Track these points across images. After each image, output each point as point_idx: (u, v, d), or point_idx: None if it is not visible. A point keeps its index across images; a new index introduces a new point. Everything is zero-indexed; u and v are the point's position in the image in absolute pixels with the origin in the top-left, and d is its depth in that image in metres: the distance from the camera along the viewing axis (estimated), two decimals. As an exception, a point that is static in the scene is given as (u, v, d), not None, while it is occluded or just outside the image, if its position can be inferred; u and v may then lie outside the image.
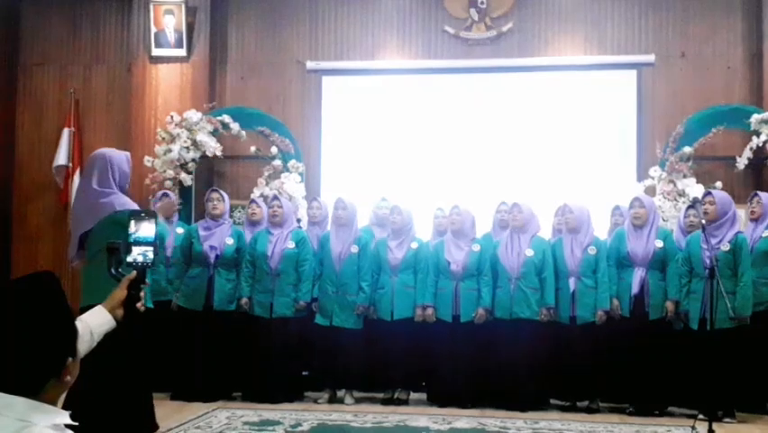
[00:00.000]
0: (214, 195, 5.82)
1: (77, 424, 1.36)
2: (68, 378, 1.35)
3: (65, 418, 1.31)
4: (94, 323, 2.01)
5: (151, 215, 2.19)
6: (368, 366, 5.64)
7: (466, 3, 7.44)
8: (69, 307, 1.37)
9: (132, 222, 2.17)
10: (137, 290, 2.09)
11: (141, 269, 2.12)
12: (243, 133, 7.15)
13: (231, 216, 6.14)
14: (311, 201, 6.23)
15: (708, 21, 7.22)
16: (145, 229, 2.15)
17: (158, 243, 2.28)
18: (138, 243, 2.14)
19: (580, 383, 5.42)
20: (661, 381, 5.28)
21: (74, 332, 1.36)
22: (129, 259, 2.14)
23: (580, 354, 5.36)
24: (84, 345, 1.92)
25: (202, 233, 5.73)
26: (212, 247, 5.66)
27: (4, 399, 1.26)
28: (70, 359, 1.34)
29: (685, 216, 5.62)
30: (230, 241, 5.71)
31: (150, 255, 2.13)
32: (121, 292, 2.08)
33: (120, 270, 2.15)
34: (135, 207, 3.65)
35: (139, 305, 2.12)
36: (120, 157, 3.78)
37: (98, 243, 3.57)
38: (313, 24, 7.62)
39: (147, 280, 2.18)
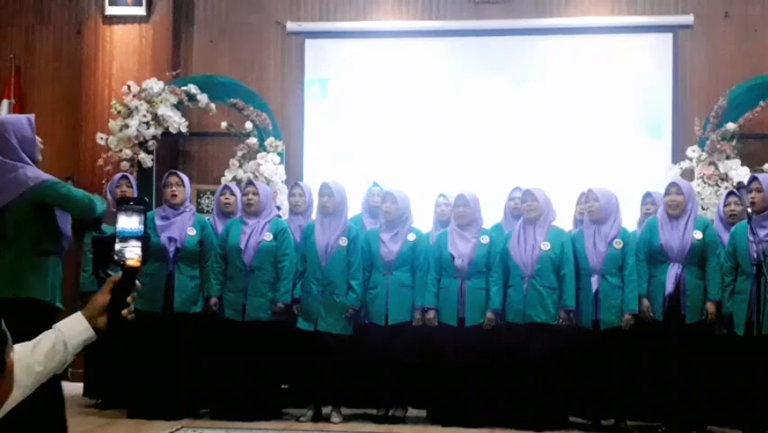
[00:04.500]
0: (173, 179, 5.79)
1: None
2: None
3: None
4: (69, 333, 1.93)
5: (140, 203, 2.14)
6: (358, 378, 5.63)
7: (474, -46, 7.41)
8: None
9: (116, 212, 2.13)
10: (124, 294, 2.02)
11: (130, 269, 2.06)
12: (213, 105, 7.14)
13: (198, 204, 6.10)
14: (293, 187, 6.22)
15: (757, -26, 7.20)
16: (132, 221, 2.09)
17: (149, 237, 2.23)
18: (123, 237, 2.08)
19: (604, 398, 5.42)
20: (699, 395, 5.28)
21: (1, 339, 1.32)
22: (114, 256, 2.08)
23: (604, 365, 5.37)
24: (57, 356, 1.88)
25: (159, 222, 5.70)
26: (171, 239, 5.63)
27: None
28: None
29: (725, 204, 5.60)
30: (192, 232, 5.69)
31: (139, 252, 2.07)
32: (102, 297, 1.99)
33: (108, 270, 2.10)
34: (49, 177, 3.64)
35: (125, 312, 2.06)
36: (17, 122, 3.74)
37: (11, 227, 3.57)
38: (294, -21, 7.59)
39: (137, 283, 2.12)
